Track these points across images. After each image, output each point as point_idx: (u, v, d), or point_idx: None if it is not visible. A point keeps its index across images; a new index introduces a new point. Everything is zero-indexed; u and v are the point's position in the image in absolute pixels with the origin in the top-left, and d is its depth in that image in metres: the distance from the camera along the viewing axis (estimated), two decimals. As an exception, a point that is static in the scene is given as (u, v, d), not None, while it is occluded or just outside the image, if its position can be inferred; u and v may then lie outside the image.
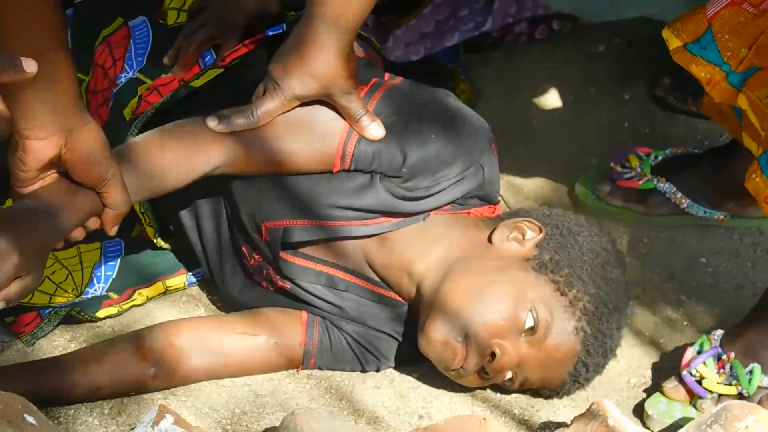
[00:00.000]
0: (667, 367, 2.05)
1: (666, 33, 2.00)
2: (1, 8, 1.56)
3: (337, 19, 1.86)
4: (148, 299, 2.12)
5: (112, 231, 1.79)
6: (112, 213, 1.75)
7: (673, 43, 1.99)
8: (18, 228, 1.66)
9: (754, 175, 1.89)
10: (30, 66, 1.44)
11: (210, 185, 1.96)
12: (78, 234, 1.75)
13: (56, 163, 1.69)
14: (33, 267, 1.68)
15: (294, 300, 2.04)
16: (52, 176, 1.72)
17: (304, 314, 2.03)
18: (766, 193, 1.87)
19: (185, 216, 2.11)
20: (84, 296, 2.10)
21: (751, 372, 1.91)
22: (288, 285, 2.02)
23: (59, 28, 1.63)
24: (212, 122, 1.87)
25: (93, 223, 1.76)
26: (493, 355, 1.83)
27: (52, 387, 1.94)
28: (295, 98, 1.88)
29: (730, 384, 1.93)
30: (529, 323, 1.84)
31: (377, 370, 2.03)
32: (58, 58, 1.62)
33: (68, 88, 1.66)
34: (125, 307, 2.12)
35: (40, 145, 1.65)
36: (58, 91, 1.64)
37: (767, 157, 1.85)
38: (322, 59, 1.86)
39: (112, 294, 2.10)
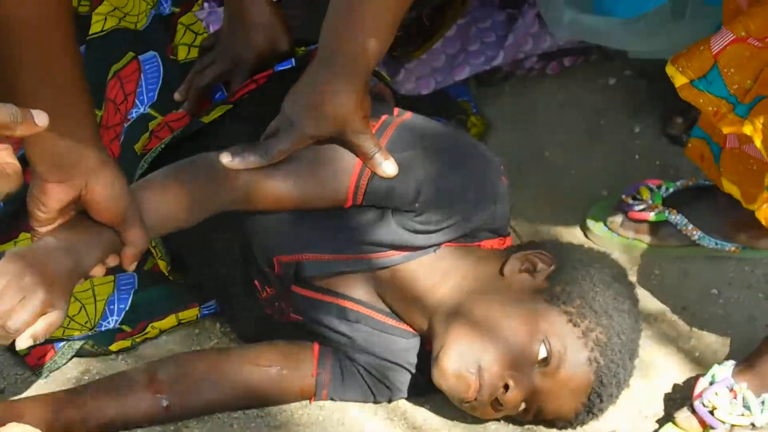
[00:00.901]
0: (680, 398, 2.04)
1: (671, 70, 1.99)
2: (18, 55, 1.59)
3: (353, 63, 1.87)
4: (161, 332, 2.11)
5: (131, 268, 1.79)
6: (130, 251, 1.76)
7: (680, 80, 1.97)
8: (42, 265, 1.67)
9: (765, 206, 1.89)
10: (41, 119, 1.45)
11: (222, 219, 1.95)
12: (98, 271, 1.76)
13: (76, 203, 1.70)
14: (58, 303, 1.68)
15: (306, 332, 2.04)
16: (71, 215, 1.73)
17: (316, 345, 2.02)
18: None
19: (198, 249, 2.11)
20: (97, 329, 2.10)
21: (763, 402, 1.93)
22: (300, 317, 2.02)
23: (77, 72, 1.65)
24: (226, 159, 1.87)
25: (112, 261, 1.77)
26: (506, 386, 1.82)
27: (65, 420, 1.93)
28: (309, 138, 1.88)
29: (743, 414, 1.93)
30: (542, 354, 1.83)
31: (389, 401, 2.02)
32: (77, 101, 1.65)
33: (88, 131, 1.67)
34: (138, 340, 2.11)
35: (61, 188, 1.66)
36: (77, 134, 1.65)
37: None
38: (337, 102, 1.87)
39: (125, 327, 2.09)
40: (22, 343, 1.63)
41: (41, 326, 1.64)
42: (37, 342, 1.67)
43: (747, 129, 1.89)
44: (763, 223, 1.91)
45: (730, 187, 2.02)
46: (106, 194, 1.69)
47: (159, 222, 1.86)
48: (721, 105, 1.94)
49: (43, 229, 1.72)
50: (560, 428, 1.97)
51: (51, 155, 1.64)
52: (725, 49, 1.90)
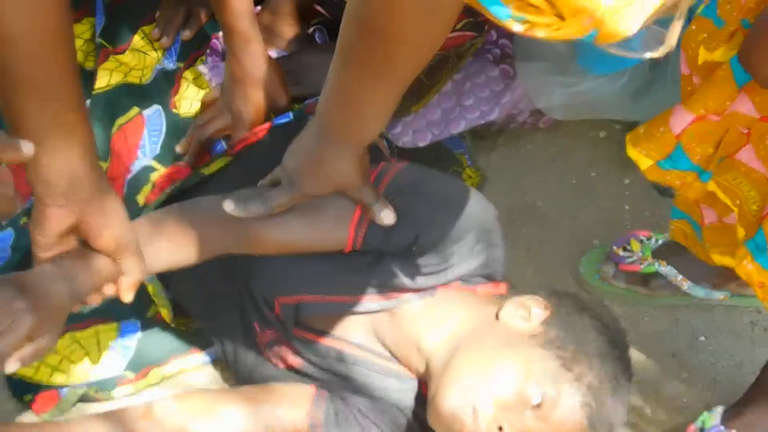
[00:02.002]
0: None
1: (633, 153, 2.01)
2: (18, 73, 1.59)
3: (352, 136, 1.87)
4: (164, 378, 2.11)
5: (127, 298, 1.78)
6: (127, 280, 1.76)
7: (644, 163, 1.99)
8: (35, 290, 1.67)
9: (744, 262, 1.84)
10: (28, 148, 1.47)
11: (223, 263, 1.96)
12: (94, 299, 1.76)
13: (75, 230, 1.70)
14: (48, 328, 1.68)
15: (303, 375, 2.04)
16: (71, 242, 1.73)
17: (312, 387, 2.02)
18: (759, 278, 1.83)
19: (198, 296, 2.11)
20: (101, 375, 2.10)
21: None
22: (298, 360, 2.02)
23: (75, 95, 1.65)
24: (229, 206, 1.86)
25: (109, 290, 1.77)
26: (500, 429, 1.79)
27: None
28: (309, 196, 1.90)
29: None
30: (536, 399, 1.80)
31: None
32: (75, 125, 1.65)
33: (86, 157, 1.67)
34: (141, 386, 2.11)
35: (59, 212, 1.67)
36: (75, 160, 1.65)
37: (755, 243, 1.86)
38: (336, 167, 1.88)
39: (128, 373, 2.10)
40: (10, 366, 1.63)
41: (29, 350, 1.64)
42: (25, 365, 1.66)
43: (710, 186, 1.92)
44: (744, 278, 1.90)
45: (723, 260, 2.02)
46: (103, 222, 1.70)
47: (157, 256, 1.89)
48: (686, 176, 1.96)
49: (43, 255, 1.72)
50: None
51: (49, 179, 1.65)
52: (687, 129, 1.91)
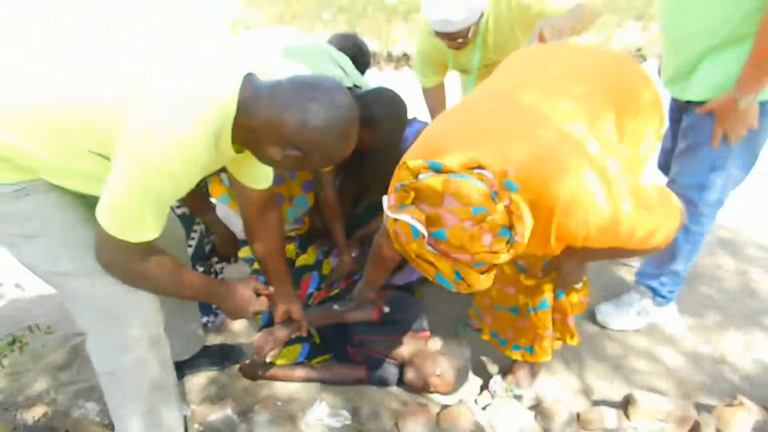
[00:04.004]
0: (483, 386, 2.36)
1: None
2: (265, 266, 1.82)
3: (373, 288, 2.21)
4: (316, 362, 2.36)
5: (305, 334, 2.15)
6: (303, 329, 2.11)
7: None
8: (273, 334, 2.08)
9: (486, 332, 2.23)
10: (269, 291, 1.73)
11: (337, 324, 2.31)
12: (293, 336, 2.14)
13: (287, 312, 2.06)
14: (278, 345, 2.08)
15: (361, 363, 2.34)
16: (286, 318, 2.05)
17: (365, 366, 2.34)
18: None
19: (329, 334, 2.41)
20: (297, 361, 2.40)
21: (512, 389, 2.29)
22: (361, 358, 2.36)
23: (286, 271, 1.96)
24: (336, 307, 2.30)
25: (299, 332, 2.14)
26: (427, 384, 2.22)
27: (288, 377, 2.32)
28: (362, 304, 2.26)
29: (506, 391, 2.28)
30: (439, 372, 2.20)
31: (388, 386, 2.35)
32: (287, 284, 2.01)
33: (291, 289, 2.04)
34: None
35: (283, 308, 2.06)
36: (286, 288, 2.00)
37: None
38: (369, 295, 2.24)
39: (305, 361, 2.41)
40: (267, 359, 2.09)
41: (273, 353, 2.10)
42: (272, 359, 2.10)
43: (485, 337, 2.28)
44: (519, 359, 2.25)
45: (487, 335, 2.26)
46: (297, 310, 2.07)
47: (313, 322, 2.29)
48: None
49: (278, 322, 2.08)
50: (448, 395, 2.30)
51: (279, 297, 2.01)
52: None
